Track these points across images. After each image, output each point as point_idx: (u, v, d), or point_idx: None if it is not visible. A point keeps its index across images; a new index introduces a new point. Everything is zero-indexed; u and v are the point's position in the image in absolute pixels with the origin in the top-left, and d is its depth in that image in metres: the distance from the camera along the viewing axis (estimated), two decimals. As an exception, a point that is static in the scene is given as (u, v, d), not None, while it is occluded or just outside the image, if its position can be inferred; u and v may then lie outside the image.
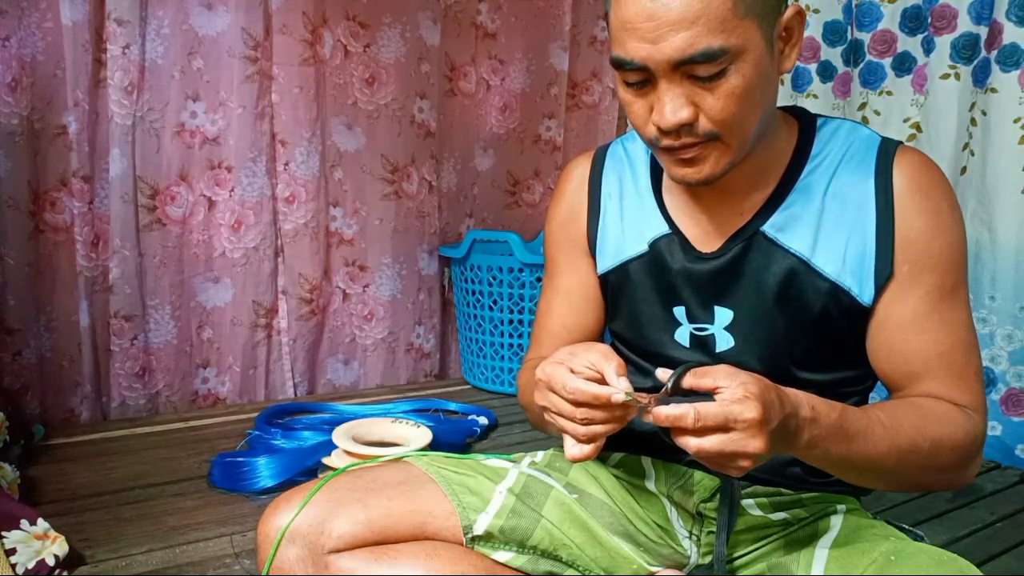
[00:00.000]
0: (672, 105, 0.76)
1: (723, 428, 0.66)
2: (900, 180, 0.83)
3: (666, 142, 0.79)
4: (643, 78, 0.77)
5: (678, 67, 0.74)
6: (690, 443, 0.67)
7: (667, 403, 0.68)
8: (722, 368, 0.69)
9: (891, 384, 0.86)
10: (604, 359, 0.74)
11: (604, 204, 0.98)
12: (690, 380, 0.69)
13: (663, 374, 0.72)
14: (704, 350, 0.91)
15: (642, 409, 0.70)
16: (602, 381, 0.73)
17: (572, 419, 0.73)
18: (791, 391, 0.72)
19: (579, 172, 1.01)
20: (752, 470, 0.69)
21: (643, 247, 0.94)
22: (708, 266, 0.89)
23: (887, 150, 0.85)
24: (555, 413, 0.75)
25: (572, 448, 0.74)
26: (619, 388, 0.71)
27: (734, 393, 0.66)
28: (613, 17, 0.77)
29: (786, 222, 0.86)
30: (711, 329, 0.90)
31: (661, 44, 0.73)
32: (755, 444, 0.66)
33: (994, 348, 1.87)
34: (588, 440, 0.73)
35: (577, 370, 0.73)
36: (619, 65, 0.77)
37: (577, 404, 0.72)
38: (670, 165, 0.83)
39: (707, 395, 0.68)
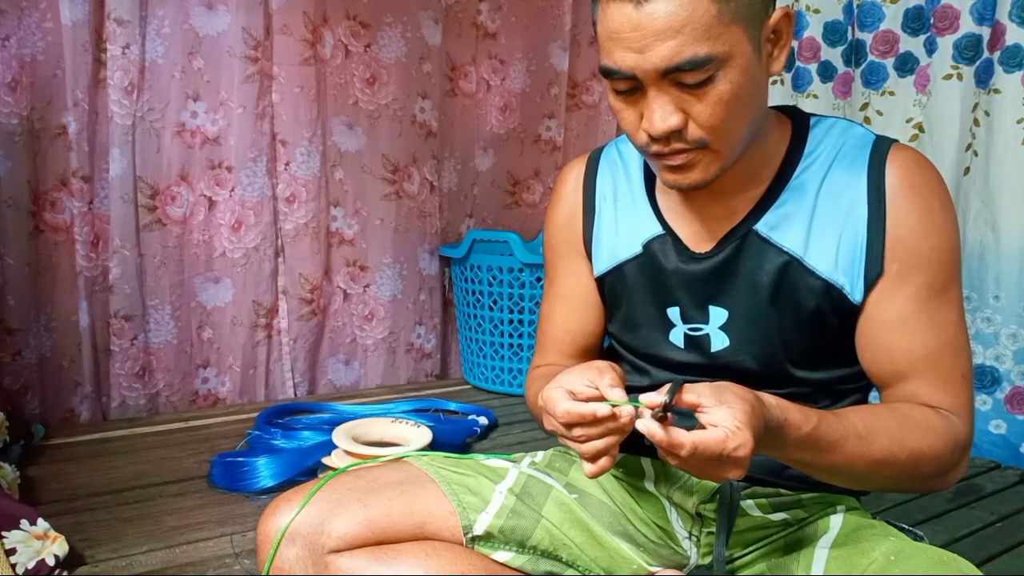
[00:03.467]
0: (661, 112, 0.76)
1: (716, 459, 0.67)
2: (893, 178, 0.83)
3: (656, 148, 0.80)
4: (632, 86, 0.78)
5: (665, 75, 0.75)
6: (674, 462, 0.69)
7: (663, 418, 0.69)
8: (704, 387, 0.70)
9: (878, 382, 0.86)
10: (599, 374, 0.75)
11: (599, 207, 0.98)
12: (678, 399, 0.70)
13: (649, 400, 0.70)
14: (699, 350, 0.91)
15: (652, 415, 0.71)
16: (603, 397, 0.74)
17: (573, 440, 0.74)
18: (767, 399, 0.72)
19: (574, 176, 1.02)
20: (751, 471, 0.70)
21: (637, 249, 0.94)
22: (701, 266, 0.89)
23: (880, 148, 0.85)
24: (561, 437, 0.76)
25: (587, 466, 0.75)
26: (610, 397, 0.72)
27: (725, 422, 0.66)
28: (600, 27, 0.78)
29: (779, 221, 0.86)
30: (706, 329, 0.90)
31: (648, 53, 0.74)
32: (736, 472, 0.68)
33: (999, 347, 1.87)
34: (593, 457, 0.74)
35: (578, 390, 0.74)
36: (607, 74, 0.78)
37: (570, 426, 0.73)
38: (661, 171, 0.84)
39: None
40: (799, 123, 0.89)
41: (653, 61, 0.74)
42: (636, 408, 0.72)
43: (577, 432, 0.73)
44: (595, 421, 0.72)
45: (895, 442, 0.77)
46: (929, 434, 0.79)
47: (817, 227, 0.85)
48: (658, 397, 0.69)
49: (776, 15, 0.79)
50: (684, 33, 0.72)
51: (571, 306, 1.03)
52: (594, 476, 0.75)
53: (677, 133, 0.77)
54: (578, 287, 1.02)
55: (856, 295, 0.84)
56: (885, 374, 0.84)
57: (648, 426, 0.68)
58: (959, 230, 0.85)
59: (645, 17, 0.73)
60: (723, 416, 0.67)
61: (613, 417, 0.71)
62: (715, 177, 0.82)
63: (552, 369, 1.00)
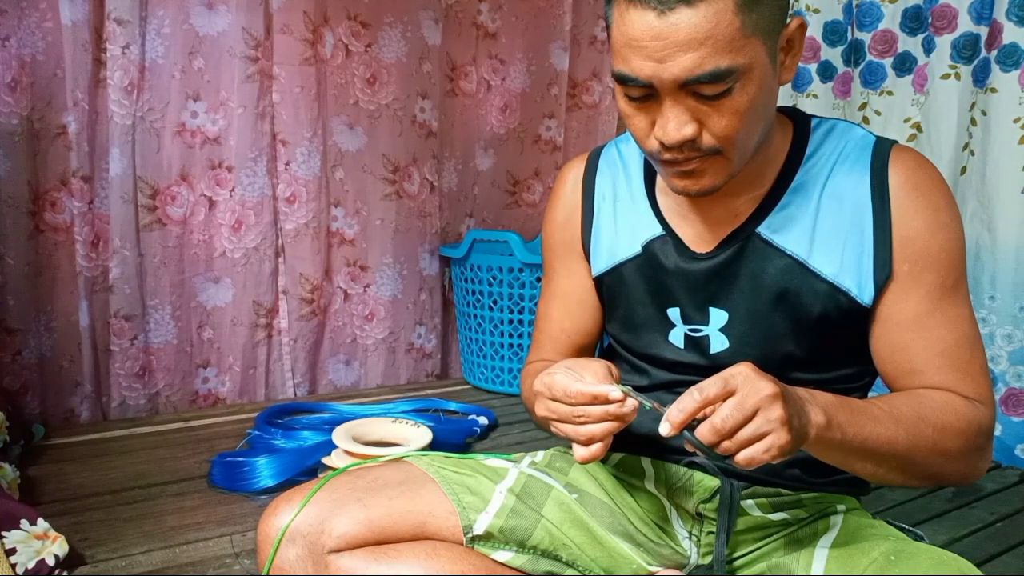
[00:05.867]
0: (676, 122, 0.76)
1: (726, 391, 0.67)
2: (896, 179, 0.83)
3: (668, 156, 0.79)
4: (645, 93, 0.77)
5: (684, 86, 0.74)
6: (715, 423, 0.67)
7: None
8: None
9: (894, 383, 0.86)
10: (596, 380, 0.77)
11: (598, 206, 0.98)
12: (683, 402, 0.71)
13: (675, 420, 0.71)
14: (698, 351, 0.91)
15: (646, 414, 0.72)
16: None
17: (571, 421, 0.75)
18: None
19: (573, 176, 1.02)
20: (754, 470, 0.69)
21: (636, 249, 0.94)
22: (702, 267, 0.89)
23: (882, 150, 0.85)
24: (556, 420, 0.77)
25: (579, 450, 0.76)
26: (615, 388, 0.74)
27: (718, 373, 0.69)
28: (616, 32, 0.77)
29: (782, 223, 0.86)
30: (706, 331, 0.90)
31: (668, 64, 0.73)
32: (767, 387, 0.67)
33: (994, 348, 1.87)
34: (588, 441, 0.75)
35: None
36: (622, 80, 0.77)
37: (577, 406, 0.75)
38: (670, 177, 0.83)
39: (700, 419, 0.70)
40: (800, 125, 0.89)
41: (673, 72, 0.73)
42: (642, 403, 0.73)
43: (578, 412, 0.74)
44: (604, 402, 0.73)
45: (920, 417, 0.77)
46: (949, 412, 0.79)
47: (821, 230, 0.85)
48: (679, 415, 0.69)
49: (792, 25, 0.80)
50: (707, 46, 0.72)
51: (567, 305, 1.03)
52: (584, 462, 0.76)
53: (690, 142, 0.77)
54: (575, 287, 1.02)
55: (865, 298, 0.84)
56: (902, 374, 0.84)
57: (665, 420, 0.69)
58: (963, 227, 0.85)
59: (668, 27, 0.72)
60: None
61: (620, 400, 0.73)
62: (724, 183, 0.82)
63: (547, 366, 1.00)
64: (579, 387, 0.74)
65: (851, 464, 0.78)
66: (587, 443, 0.75)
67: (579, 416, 0.74)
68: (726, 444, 0.67)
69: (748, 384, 0.67)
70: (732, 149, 0.78)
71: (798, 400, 0.71)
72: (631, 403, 0.74)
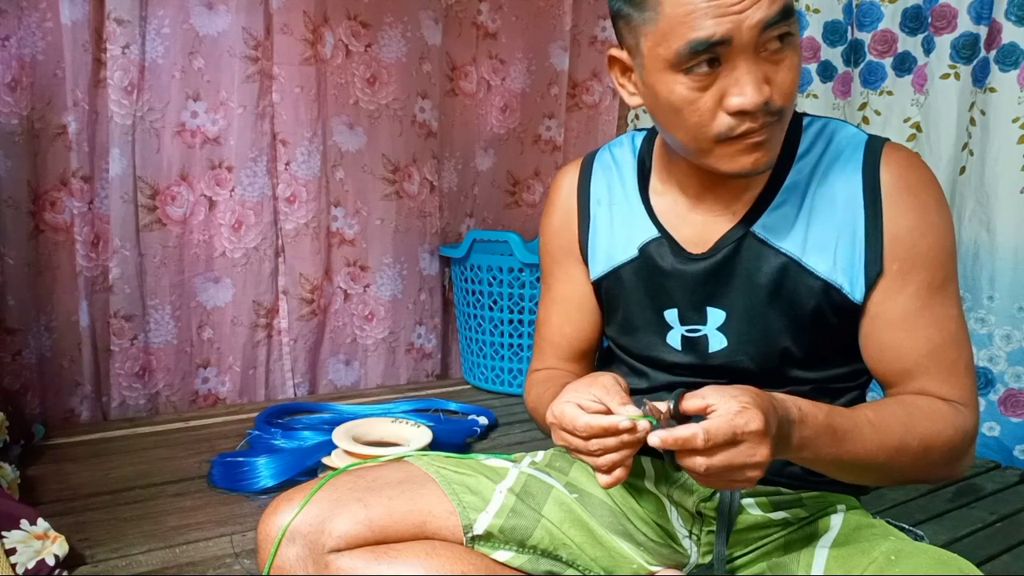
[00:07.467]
0: (755, 83, 0.75)
1: (731, 442, 0.67)
2: (887, 178, 0.83)
3: (743, 128, 0.77)
4: (708, 70, 0.76)
5: (764, 31, 0.74)
6: (698, 462, 0.68)
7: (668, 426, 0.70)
8: (708, 388, 0.71)
9: (884, 381, 0.87)
10: (607, 394, 0.76)
11: (594, 211, 0.99)
12: (681, 405, 0.71)
13: (655, 408, 0.72)
14: (696, 352, 0.91)
15: (655, 425, 0.72)
16: (609, 412, 0.75)
17: (589, 453, 0.74)
18: (777, 395, 0.73)
19: (568, 181, 1.02)
20: None
21: (633, 252, 0.94)
22: (699, 267, 0.89)
23: (874, 148, 0.85)
24: (574, 450, 0.76)
25: (602, 478, 0.75)
26: (624, 414, 0.73)
27: (730, 407, 0.68)
28: (670, 9, 0.75)
29: (776, 222, 0.86)
30: (703, 330, 0.90)
31: (747, 12, 0.73)
32: (762, 452, 0.67)
33: (992, 348, 1.87)
34: (610, 468, 0.75)
35: (584, 405, 0.75)
36: (695, 51, 0.75)
37: (589, 439, 0.74)
38: (736, 155, 0.80)
39: (699, 418, 0.69)
40: (793, 124, 0.89)
41: (756, 17, 0.73)
42: (652, 423, 0.73)
43: (594, 444, 0.73)
44: (615, 433, 0.72)
45: (907, 430, 0.78)
46: (938, 421, 0.79)
47: (814, 228, 0.85)
48: (663, 405, 0.71)
49: None
50: None
51: (566, 311, 1.03)
52: (610, 487, 0.76)
53: (764, 105, 0.76)
54: (573, 292, 1.02)
55: (856, 295, 0.84)
56: (891, 372, 0.85)
57: (659, 434, 0.68)
58: (954, 226, 0.86)
59: None
60: (727, 400, 0.68)
61: (631, 429, 0.72)
62: (776, 157, 0.82)
63: (551, 374, 1.01)
64: (586, 421, 0.73)
65: (826, 472, 0.80)
66: (609, 471, 0.75)
67: (596, 449, 0.74)
68: (701, 470, 0.69)
69: (749, 443, 0.67)
70: (788, 111, 0.80)
71: (780, 440, 0.71)
72: (643, 424, 0.73)
